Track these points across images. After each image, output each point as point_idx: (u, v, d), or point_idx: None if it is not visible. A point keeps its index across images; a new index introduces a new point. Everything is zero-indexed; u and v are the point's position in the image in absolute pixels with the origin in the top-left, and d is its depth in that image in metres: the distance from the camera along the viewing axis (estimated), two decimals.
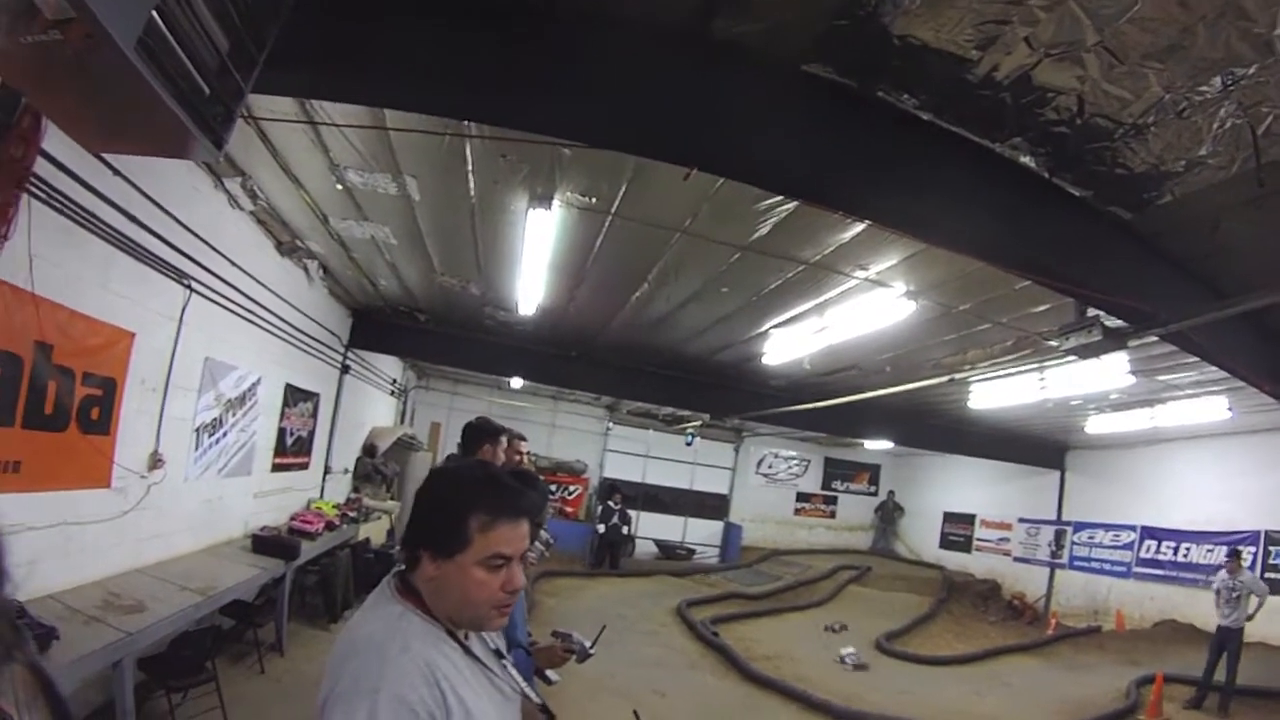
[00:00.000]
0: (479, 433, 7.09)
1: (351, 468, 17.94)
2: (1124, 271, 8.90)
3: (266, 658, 10.45)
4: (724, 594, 21.34)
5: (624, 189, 8.36)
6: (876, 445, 27.07)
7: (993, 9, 5.38)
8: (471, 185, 8.58)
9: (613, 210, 8.95)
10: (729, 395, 19.00)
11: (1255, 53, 5.68)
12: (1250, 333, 11.17)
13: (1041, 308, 10.98)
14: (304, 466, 14.81)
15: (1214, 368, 11.72)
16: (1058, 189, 7.66)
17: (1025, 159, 7.25)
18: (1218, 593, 15.15)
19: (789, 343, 13.84)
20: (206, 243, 9.22)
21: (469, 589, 2.49)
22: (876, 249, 9.49)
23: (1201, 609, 17.38)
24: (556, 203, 8.70)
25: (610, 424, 28.30)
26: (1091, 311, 9.62)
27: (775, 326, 13.42)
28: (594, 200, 8.73)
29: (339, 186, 9.10)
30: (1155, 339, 10.36)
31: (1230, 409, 15.96)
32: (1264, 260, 8.95)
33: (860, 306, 11.42)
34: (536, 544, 7.27)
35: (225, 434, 10.92)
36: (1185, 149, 6.97)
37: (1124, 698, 14.24)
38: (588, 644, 4.33)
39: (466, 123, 6.93)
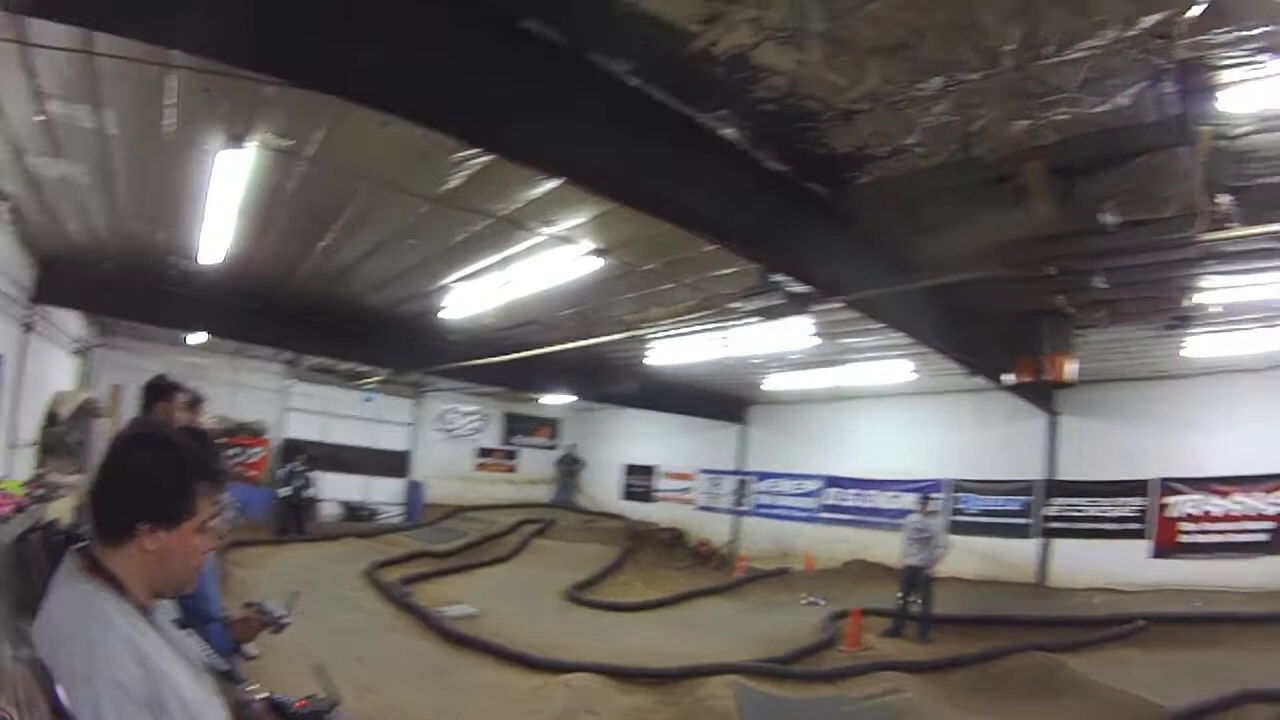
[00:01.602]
0: (153, 391, 6.59)
1: (36, 440, 16.39)
2: (815, 242, 9.34)
3: None
4: (412, 553, 20.93)
5: (324, 133, 8.02)
6: (556, 400, 27.34)
7: None
8: (168, 121, 7.91)
9: (308, 154, 8.56)
10: (410, 350, 18.60)
11: (981, 62, 6.20)
12: (938, 305, 11.92)
13: (728, 270, 11.33)
14: None
15: (899, 332, 12.46)
16: (756, 162, 8.03)
17: (728, 131, 7.55)
18: (908, 534, 16.17)
19: (471, 297, 13.75)
20: None
21: (189, 556, 2.41)
22: (566, 206, 9.57)
23: (889, 549, 18.45)
24: (252, 143, 8.16)
25: (291, 381, 27.07)
26: (776, 277, 10.03)
27: (459, 280, 13.33)
28: (291, 142, 8.28)
29: (39, 117, 8.18)
30: (837, 306, 10.80)
31: (915, 371, 17.18)
32: (953, 241, 9.75)
33: (545, 262, 11.47)
34: (227, 509, 6.86)
35: None
36: (892, 137, 7.53)
37: (820, 631, 14.84)
38: (283, 612, 4.18)
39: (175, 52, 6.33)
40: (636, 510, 29.27)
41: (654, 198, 7.67)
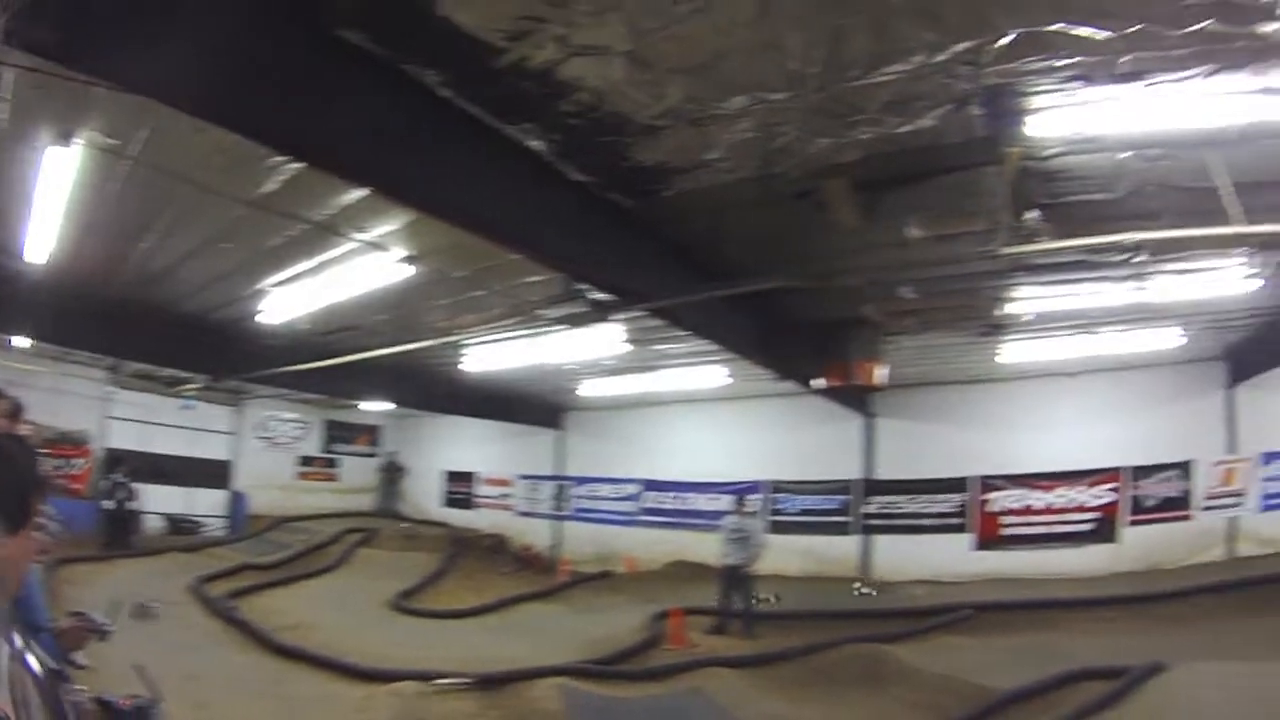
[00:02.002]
0: None
1: None
2: (618, 252, 9.57)
3: None
4: (237, 566, 20.44)
5: (148, 133, 7.95)
6: (375, 406, 26.89)
7: (538, 7, 5.71)
8: (1, 115, 7.76)
9: (131, 153, 8.45)
10: (229, 355, 18.07)
11: (785, 82, 6.48)
12: (748, 312, 12.29)
13: (535, 278, 11.57)
14: None
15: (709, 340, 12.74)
16: (562, 174, 8.26)
17: (534, 143, 7.73)
18: (725, 534, 16.47)
19: (288, 302, 13.65)
20: None
21: (29, 558, 2.42)
22: (378, 213, 9.69)
23: (708, 549, 18.68)
24: (79, 141, 8.03)
25: (112, 388, 25.92)
26: (580, 285, 10.29)
27: (275, 285, 13.18)
28: (117, 142, 8.18)
29: None
30: (643, 313, 11.06)
31: (730, 376, 17.68)
32: (758, 252, 10.19)
33: (359, 268, 11.53)
34: (50, 522, 6.76)
35: None
36: (695, 152, 7.78)
37: (644, 631, 14.98)
38: (106, 620, 4.15)
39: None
40: (459, 517, 29.13)
41: (454, 207, 7.84)
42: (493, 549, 26.20)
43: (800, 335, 13.69)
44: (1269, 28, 5.92)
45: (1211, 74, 6.34)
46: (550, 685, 11.32)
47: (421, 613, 17.95)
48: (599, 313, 10.81)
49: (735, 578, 16.05)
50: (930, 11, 5.79)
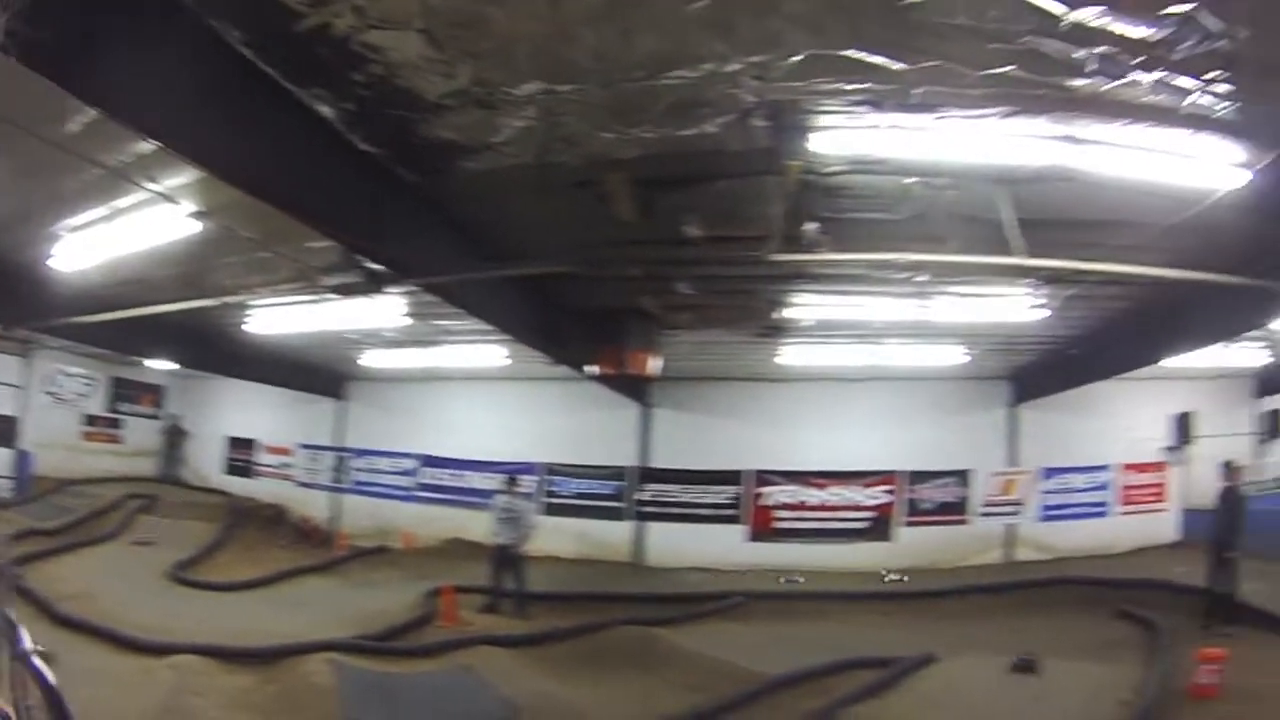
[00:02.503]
0: None
1: None
2: (399, 226, 9.61)
3: None
4: (23, 531, 19.51)
5: None
6: (161, 365, 25.90)
7: None
8: None
9: None
10: (18, 301, 17.42)
11: (572, 76, 6.64)
12: (522, 295, 12.56)
13: (320, 244, 11.18)
14: None
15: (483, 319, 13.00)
16: (350, 143, 8.22)
17: (325, 109, 7.66)
18: (496, 514, 16.69)
19: (82, 249, 13.02)
20: None
21: None
22: (169, 165, 9.32)
23: (484, 528, 18.58)
24: None
25: None
26: (356, 256, 10.25)
27: (70, 231, 12.57)
28: None
29: None
30: (418, 289, 11.17)
31: (509, 356, 18.02)
32: (539, 237, 10.45)
33: (149, 219, 11.15)
34: None
35: None
36: (482, 133, 7.86)
37: (418, 608, 15.05)
38: None
39: None
40: (240, 485, 28.35)
41: (235, 165, 7.78)
42: (272, 520, 25.67)
43: (577, 322, 13.96)
44: (1076, 82, 6.37)
45: (1008, 116, 6.75)
46: (322, 660, 11.28)
47: (199, 584, 17.62)
48: (373, 284, 10.75)
49: (505, 557, 16.19)
50: (723, 23, 5.97)
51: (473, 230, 10.71)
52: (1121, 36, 5.93)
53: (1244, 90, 6.68)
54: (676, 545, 20.95)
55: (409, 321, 15.39)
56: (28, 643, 2.11)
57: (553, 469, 22.22)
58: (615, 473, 21.65)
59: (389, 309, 14.14)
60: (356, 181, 8.80)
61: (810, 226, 8.89)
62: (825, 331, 15.08)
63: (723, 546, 20.72)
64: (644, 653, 12.69)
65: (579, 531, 21.38)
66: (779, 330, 14.87)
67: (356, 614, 15.09)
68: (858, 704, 10.46)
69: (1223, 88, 6.57)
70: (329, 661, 11.30)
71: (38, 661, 2.05)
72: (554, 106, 7.34)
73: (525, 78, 6.87)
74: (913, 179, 8.38)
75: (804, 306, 13.06)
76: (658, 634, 13.40)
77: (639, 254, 10.38)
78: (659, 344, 13.98)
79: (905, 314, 13.27)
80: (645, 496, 21.34)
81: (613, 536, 21.40)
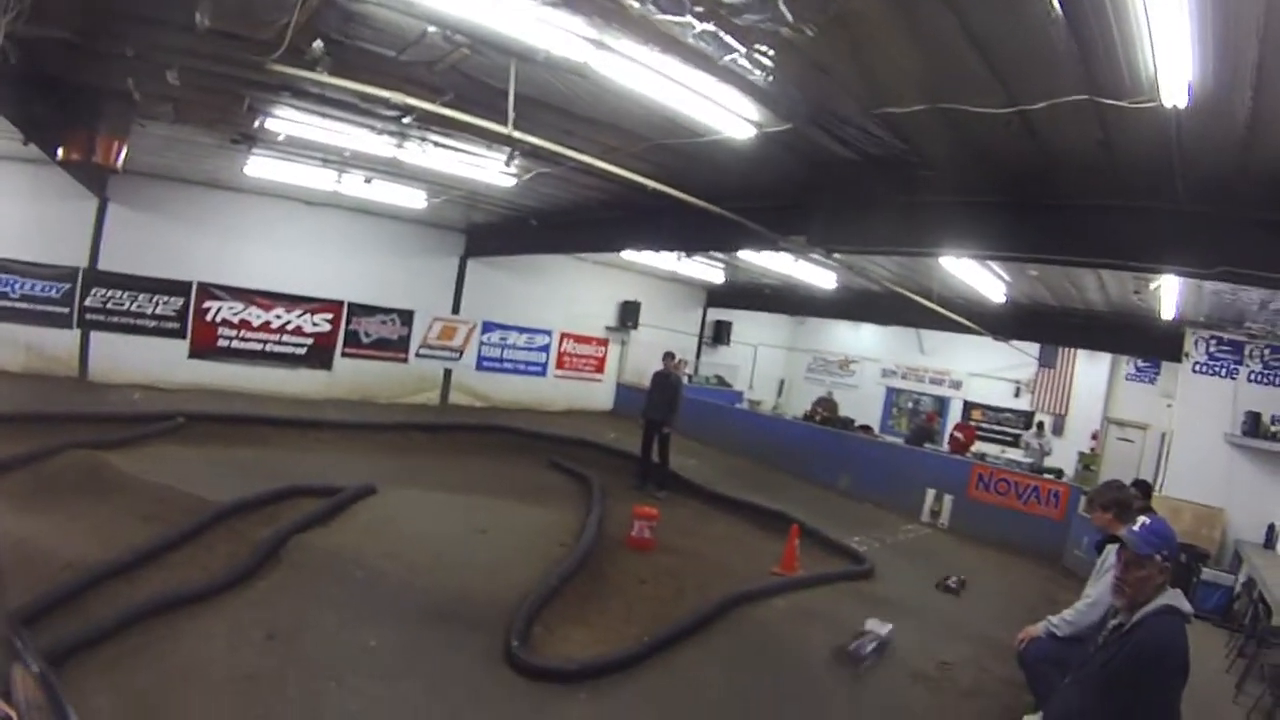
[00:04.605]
0: None
1: None
2: None
3: None
4: None
5: None
6: None
7: None
8: None
9: None
10: None
11: None
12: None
13: None
14: None
15: None
16: None
17: None
18: None
19: None
20: None
21: None
22: None
23: None
24: None
25: None
26: None
27: None
28: None
29: None
30: None
31: None
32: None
33: None
34: None
35: None
36: None
37: None
38: None
39: None
40: None
41: None
42: None
43: (56, 97, 12.32)
44: (632, 1, 6.63)
45: (550, 4, 6.86)
46: None
47: None
48: None
49: None
50: None
51: None
52: None
53: (784, 71, 7.42)
54: (119, 359, 19.81)
55: None
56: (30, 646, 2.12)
57: (3, 266, 18.79)
58: (67, 274, 19.25)
59: None
60: None
61: (318, 44, 8.77)
62: (298, 150, 14.95)
63: (165, 362, 20.07)
64: (92, 479, 12.15)
65: (27, 342, 19.08)
66: (251, 139, 14.56)
67: None
68: (305, 531, 10.88)
69: (766, 61, 7.21)
70: None
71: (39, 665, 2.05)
72: None
73: None
74: (435, 29, 8.36)
75: (285, 121, 12.67)
76: (105, 459, 12.91)
77: (138, 32, 9.54)
78: (129, 133, 13.03)
79: (382, 150, 13.52)
80: (92, 303, 19.56)
81: (58, 347, 19.42)
